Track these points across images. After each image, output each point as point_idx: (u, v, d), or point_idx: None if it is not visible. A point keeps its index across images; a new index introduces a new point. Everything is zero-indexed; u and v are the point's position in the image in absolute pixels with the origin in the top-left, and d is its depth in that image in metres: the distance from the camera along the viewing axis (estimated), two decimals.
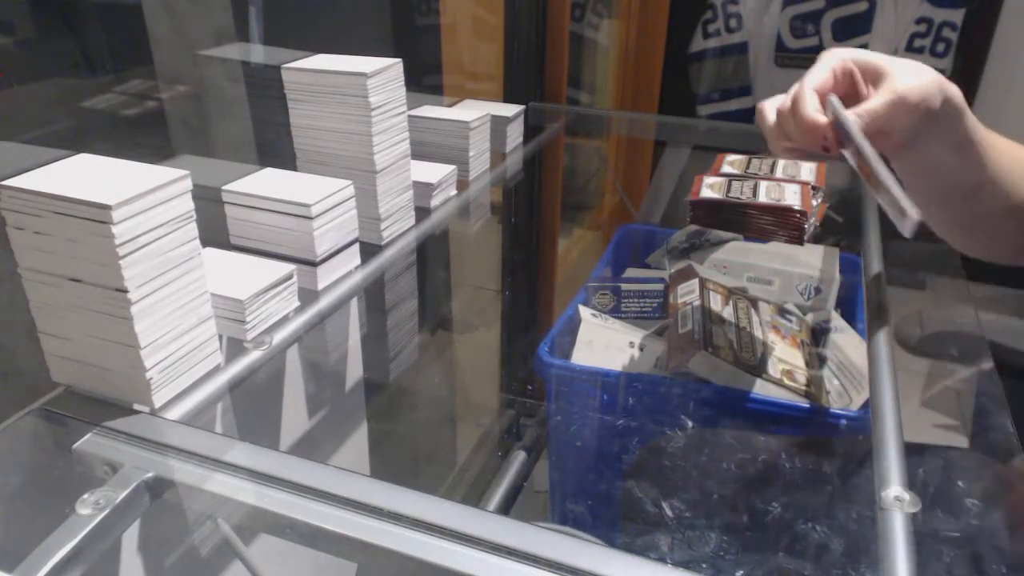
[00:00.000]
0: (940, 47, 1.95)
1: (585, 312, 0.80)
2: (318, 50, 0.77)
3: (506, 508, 0.97)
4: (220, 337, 0.57)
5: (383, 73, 0.71)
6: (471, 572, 0.39)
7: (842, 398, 0.76)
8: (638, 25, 1.92)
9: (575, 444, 0.79)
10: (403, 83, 0.74)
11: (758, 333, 0.75)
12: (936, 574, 0.52)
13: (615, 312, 0.85)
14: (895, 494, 0.48)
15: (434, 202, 0.86)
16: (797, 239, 0.79)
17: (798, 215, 0.80)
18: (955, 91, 0.54)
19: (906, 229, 0.51)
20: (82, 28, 0.69)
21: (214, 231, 0.68)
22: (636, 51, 1.94)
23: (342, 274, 0.71)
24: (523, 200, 1.29)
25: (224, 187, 0.67)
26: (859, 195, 1.00)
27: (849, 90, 0.56)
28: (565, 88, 1.35)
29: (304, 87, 0.73)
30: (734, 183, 0.87)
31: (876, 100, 0.52)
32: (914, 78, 0.52)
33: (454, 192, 0.90)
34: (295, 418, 0.73)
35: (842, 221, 0.93)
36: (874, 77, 0.55)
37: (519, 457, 1.06)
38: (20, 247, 0.49)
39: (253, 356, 0.58)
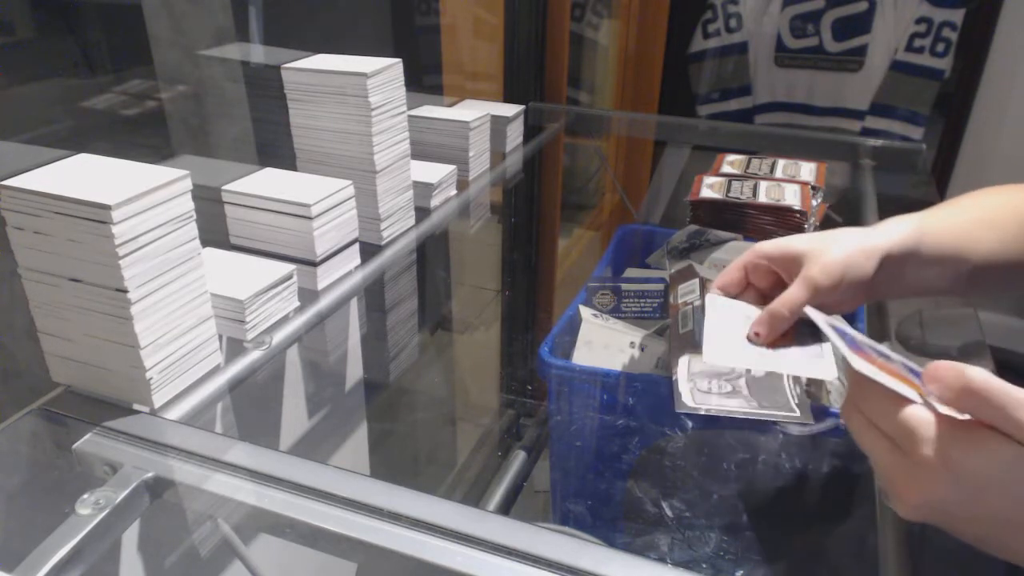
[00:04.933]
0: (940, 47, 1.95)
1: (586, 312, 0.80)
2: (318, 50, 0.77)
3: (506, 508, 0.96)
4: (220, 337, 0.57)
5: (383, 73, 0.71)
6: (471, 572, 0.39)
7: (843, 398, 0.76)
8: (638, 25, 1.92)
9: (575, 444, 0.79)
10: (403, 83, 0.74)
11: None
12: (936, 573, 0.52)
13: (615, 312, 0.85)
14: None
15: (434, 202, 0.86)
16: None
17: (798, 215, 0.80)
18: (899, 239, 0.54)
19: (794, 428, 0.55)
20: (82, 28, 0.69)
21: (214, 231, 0.68)
22: (636, 51, 1.94)
23: (342, 274, 0.71)
24: (523, 200, 1.29)
25: (224, 187, 0.67)
26: (859, 195, 1.00)
27: (774, 280, 0.57)
28: (565, 88, 1.35)
29: (304, 87, 0.73)
30: (734, 183, 0.87)
31: (792, 291, 0.53)
32: (829, 258, 0.52)
33: (454, 192, 0.90)
34: (295, 418, 0.73)
35: (842, 221, 0.93)
36: (793, 265, 0.55)
37: (519, 457, 1.06)
38: (20, 247, 0.49)
39: (253, 356, 0.58)
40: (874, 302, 0.59)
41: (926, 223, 0.56)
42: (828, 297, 0.53)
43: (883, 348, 0.46)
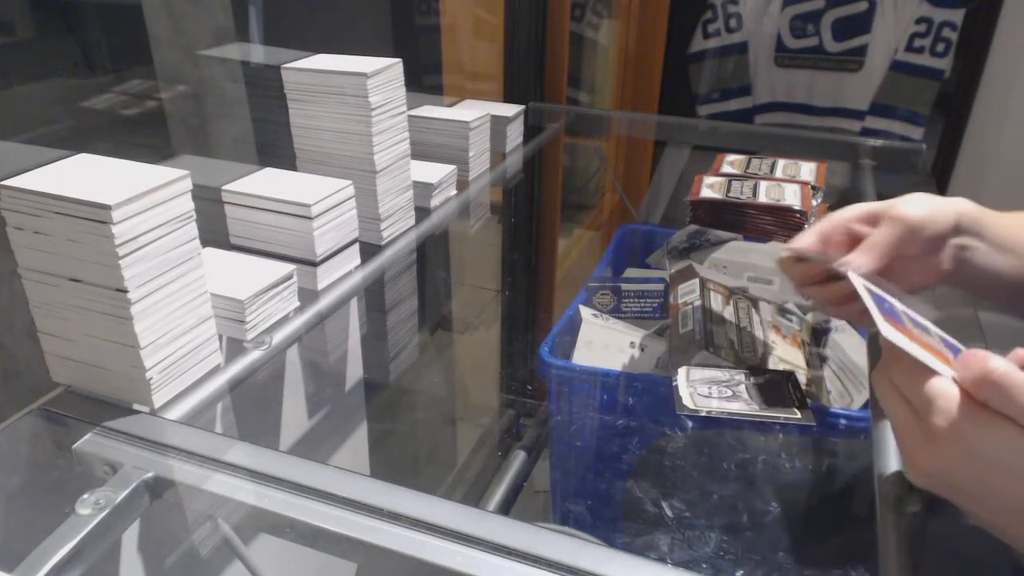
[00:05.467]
0: (940, 47, 1.95)
1: (586, 312, 0.80)
2: (318, 50, 0.77)
3: (506, 508, 0.97)
4: (220, 337, 0.57)
5: (383, 73, 0.71)
6: (471, 572, 0.39)
7: (843, 398, 0.76)
8: (638, 25, 1.92)
9: (575, 444, 0.79)
10: (403, 83, 0.74)
11: (759, 333, 0.75)
12: (936, 573, 0.52)
13: (615, 312, 0.85)
14: (895, 493, 0.48)
15: (434, 202, 0.86)
16: None
17: (798, 215, 0.80)
18: (969, 207, 0.54)
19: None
20: (82, 28, 0.69)
21: (214, 231, 0.68)
22: (636, 51, 1.95)
23: (342, 274, 0.71)
24: (523, 200, 1.29)
25: (224, 187, 0.67)
26: (859, 195, 1.00)
27: (852, 247, 0.56)
28: (565, 88, 1.35)
29: (304, 87, 0.73)
30: (734, 183, 0.87)
31: (883, 228, 0.53)
32: (915, 206, 0.52)
33: (454, 192, 0.90)
34: (295, 418, 0.73)
35: None
36: (874, 220, 0.54)
37: (519, 457, 1.06)
38: (20, 247, 0.49)
39: (253, 356, 0.58)
40: (947, 286, 0.58)
41: (989, 211, 0.55)
42: (912, 244, 0.52)
43: (922, 320, 0.45)
